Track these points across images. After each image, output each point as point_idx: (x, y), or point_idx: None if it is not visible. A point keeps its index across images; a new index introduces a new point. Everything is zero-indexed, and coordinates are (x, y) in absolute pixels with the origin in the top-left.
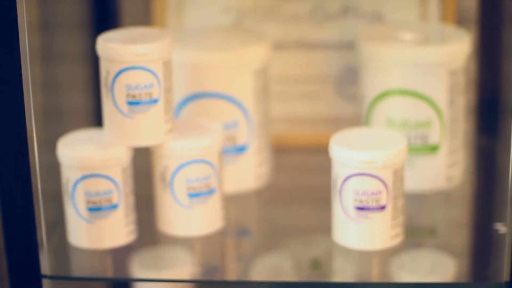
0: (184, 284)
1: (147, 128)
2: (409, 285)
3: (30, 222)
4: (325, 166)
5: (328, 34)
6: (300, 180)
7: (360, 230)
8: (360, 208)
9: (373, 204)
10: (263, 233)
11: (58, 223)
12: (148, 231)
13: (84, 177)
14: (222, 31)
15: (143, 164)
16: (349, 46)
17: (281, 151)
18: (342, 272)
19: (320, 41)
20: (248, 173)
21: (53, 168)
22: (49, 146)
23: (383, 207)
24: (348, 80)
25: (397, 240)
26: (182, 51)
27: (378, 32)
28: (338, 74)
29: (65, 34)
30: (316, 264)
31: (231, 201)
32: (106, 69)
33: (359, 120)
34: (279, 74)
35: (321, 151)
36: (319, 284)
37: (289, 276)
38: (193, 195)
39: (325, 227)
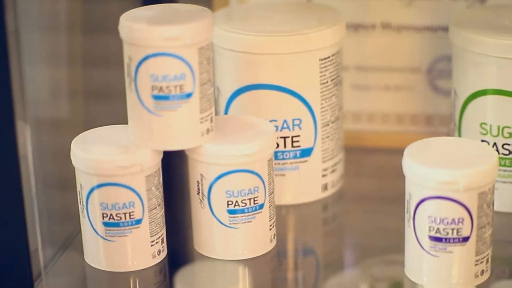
0: None
1: (178, 129)
2: None
3: (23, 251)
4: None
5: (418, 16)
6: (378, 188)
7: (436, 265)
8: (437, 239)
9: (453, 235)
10: (329, 252)
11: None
12: (183, 251)
13: (100, 186)
14: (287, 10)
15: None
16: (445, 30)
17: (357, 153)
18: None
19: (409, 23)
20: (313, 181)
21: None
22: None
23: (465, 239)
24: (444, 71)
25: (483, 279)
26: (233, 33)
27: (476, 16)
28: (431, 63)
29: (114, 5)
30: None
31: (292, 214)
32: (128, 54)
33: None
34: (358, 62)
35: None
36: None
37: None
38: (234, 212)
39: (399, 255)
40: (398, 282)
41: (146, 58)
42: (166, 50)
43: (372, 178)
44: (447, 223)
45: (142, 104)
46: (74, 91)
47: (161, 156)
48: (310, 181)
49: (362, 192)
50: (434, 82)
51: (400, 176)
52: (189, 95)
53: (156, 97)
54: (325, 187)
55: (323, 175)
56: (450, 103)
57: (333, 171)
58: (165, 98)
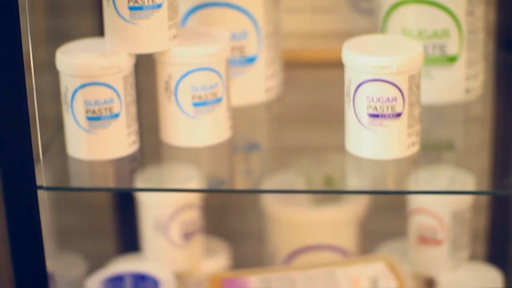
0: (189, 194)
1: (150, 34)
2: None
3: (25, 136)
4: (338, 82)
5: None
6: (311, 95)
7: (374, 139)
8: (375, 116)
9: (388, 111)
10: (272, 148)
11: (57, 137)
12: (151, 142)
13: (84, 86)
14: None
15: (147, 74)
16: None
17: (293, 66)
18: (355, 184)
19: None
20: (258, 85)
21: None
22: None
23: (398, 115)
24: None
25: (414, 150)
26: None
27: None
28: None
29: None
30: (329, 180)
31: (239, 114)
32: None
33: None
34: None
35: (334, 66)
36: (330, 192)
37: None
38: (198, 104)
39: (337, 144)
40: (329, 174)
41: None
42: None
43: (306, 87)
44: (383, 101)
45: (119, 15)
46: None
47: (134, 59)
48: (255, 85)
49: (298, 97)
50: (355, 3)
51: (327, 84)
52: (159, 6)
53: (132, 8)
54: (268, 90)
55: (266, 80)
56: (373, 19)
57: (274, 77)
58: (140, 8)
